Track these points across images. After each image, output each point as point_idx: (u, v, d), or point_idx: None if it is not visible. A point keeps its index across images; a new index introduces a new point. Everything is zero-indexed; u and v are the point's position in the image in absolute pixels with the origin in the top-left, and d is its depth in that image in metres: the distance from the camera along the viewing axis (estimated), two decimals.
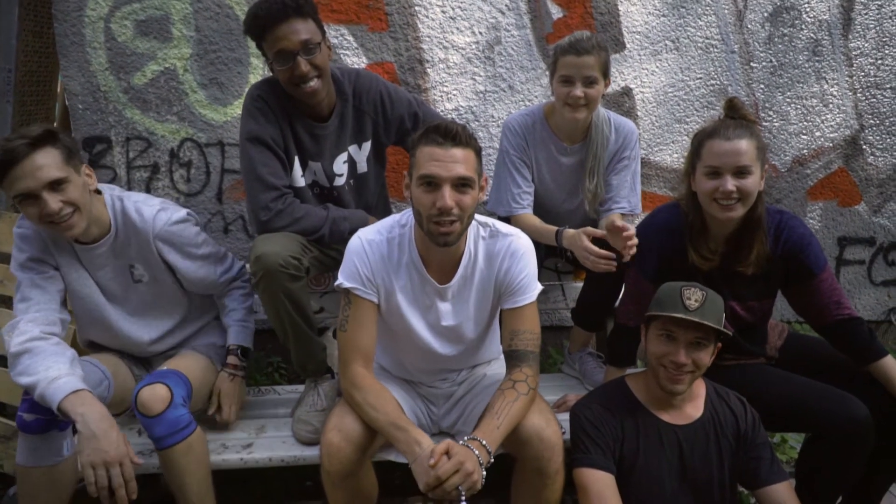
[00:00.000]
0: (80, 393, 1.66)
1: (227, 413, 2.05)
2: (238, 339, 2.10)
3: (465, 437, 1.61)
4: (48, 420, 1.72)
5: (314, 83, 1.98)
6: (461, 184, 1.65)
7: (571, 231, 2.14)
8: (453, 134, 1.64)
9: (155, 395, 1.77)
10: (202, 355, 2.07)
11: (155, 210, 1.91)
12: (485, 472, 1.56)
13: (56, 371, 1.68)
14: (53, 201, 1.68)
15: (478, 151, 1.72)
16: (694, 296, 1.73)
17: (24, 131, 1.68)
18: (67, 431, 1.79)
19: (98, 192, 1.89)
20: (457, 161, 1.64)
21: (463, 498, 1.52)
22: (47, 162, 1.67)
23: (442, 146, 1.64)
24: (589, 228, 2.09)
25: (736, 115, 1.89)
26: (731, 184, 1.81)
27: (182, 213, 1.98)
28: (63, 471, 1.78)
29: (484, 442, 1.59)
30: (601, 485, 1.71)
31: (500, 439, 1.64)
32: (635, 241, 1.94)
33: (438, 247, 1.72)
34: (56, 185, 1.69)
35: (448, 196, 1.63)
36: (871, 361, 1.91)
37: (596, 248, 2.02)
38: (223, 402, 2.05)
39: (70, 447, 1.80)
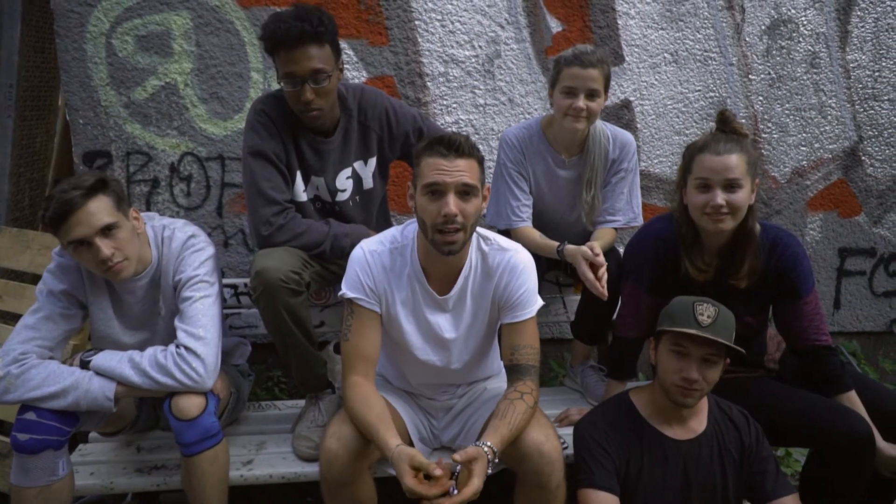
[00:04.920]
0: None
1: None
2: (100, 358, 1.81)
3: (483, 444, 1.58)
4: (43, 440, 1.72)
5: (316, 112, 1.98)
6: (465, 191, 1.67)
7: (573, 247, 2.14)
8: (457, 145, 1.67)
9: (191, 400, 1.79)
10: (224, 373, 2.06)
11: (186, 236, 1.94)
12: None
13: (83, 373, 1.77)
14: (106, 247, 1.75)
15: (480, 161, 1.74)
16: (707, 311, 1.72)
17: (76, 181, 1.75)
18: (63, 450, 1.77)
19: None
20: (462, 170, 1.67)
21: (454, 489, 1.51)
22: (100, 208, 1.75)
23: (446, 157, 1.66)
24: (586, 251, 2.08)
25: (727, 129, 1.90)
26: (720, 198, 1.81)
27: (208, 249, 1.95)
28: (58, 490, 1.77)
29: (495, 448, 1.58)
30: None
31: (505, 445, 1.63)
32: (604, 277, 2.03)
33: (443, 255, 1.73)
34: (108, 230, 1.76)
35: (452, 203, 1.65)
36: (836, 394, 1.93)
37: (591, 276, 2.03)
38: None
39: (66, 466, 1.79)
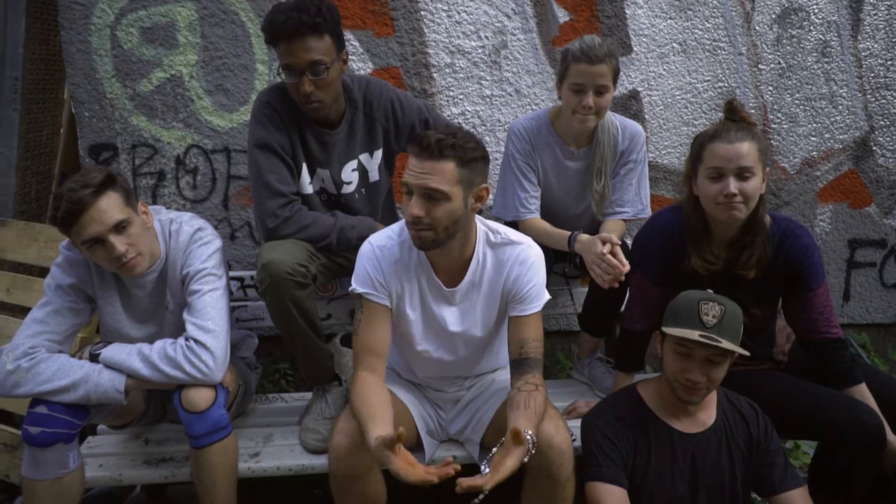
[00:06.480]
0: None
1: None
2: (109, 350, 1.81)
3: (526, 431, 1.54)
4: (54, 433, 1.72)
5: (316, 104, 1.97)
6: (429, 195, 1.64)
7: (586, 236, 2.12)
8: (428, 146, 1.62)
9: (201, 392, 1.79)
10: (232, 365, 2.06)
11: (193, 229, 1.94)
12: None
13: (93, 366, 1.78)
14: (120, 243, 1.75)
15: (463, 161, 1.65)
16: (712, 311, 1.69)
17: (84, 179, 1.73)
18: (73, 443, 1.78)
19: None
20: (427, 173, 1.62)
21: (486, 467, 1.48)
22: (111, 205, 1.74)
23: (417, 157, 1.64)
24: (605, 235, 2.06)
25: (736, 118, 1.88)
26: (733, 186, 1.79)
27: (215, 242, 1.95)
28: (69, 483, 1.77)
29: (534, 439, 1.56)
30: (613, 500, 1.69)
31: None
32: (622, 268, 1.97)
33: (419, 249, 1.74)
34: (120, 226, 1.76)
35: (416, 205, 1.64)
36: (846, 386, 1.92)
37: (612, 259, 1.99)
38: None
39: (76, 459, 1.79)
